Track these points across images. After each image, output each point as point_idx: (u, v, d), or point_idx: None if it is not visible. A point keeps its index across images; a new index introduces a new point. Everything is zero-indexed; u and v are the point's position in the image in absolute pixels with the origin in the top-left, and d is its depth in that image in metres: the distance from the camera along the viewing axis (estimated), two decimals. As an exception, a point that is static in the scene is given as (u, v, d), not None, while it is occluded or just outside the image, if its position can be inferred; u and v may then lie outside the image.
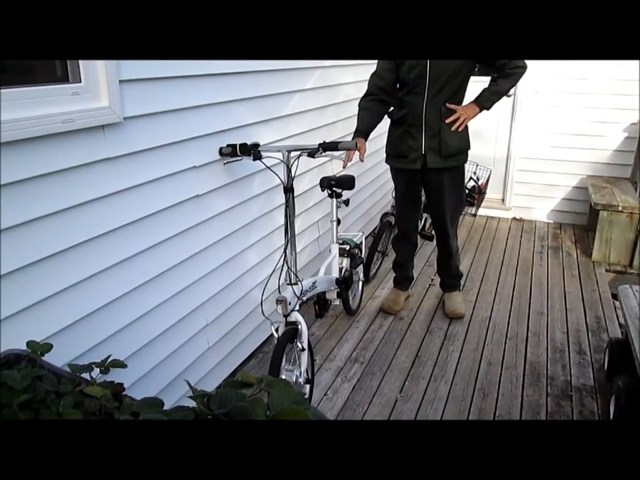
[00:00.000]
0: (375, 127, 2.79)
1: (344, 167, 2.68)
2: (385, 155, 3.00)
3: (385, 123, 2.88)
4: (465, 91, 2.77)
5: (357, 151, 2.55)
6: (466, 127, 2.78)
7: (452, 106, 2.70)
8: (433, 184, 2.89)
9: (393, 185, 3.12)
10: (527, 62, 4.25)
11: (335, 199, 2.84)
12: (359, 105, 2.84)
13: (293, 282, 2.25)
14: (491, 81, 2.76)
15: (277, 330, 2.20)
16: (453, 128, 2.72)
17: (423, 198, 3.16)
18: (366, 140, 2.69)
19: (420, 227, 4.00)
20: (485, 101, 2.76)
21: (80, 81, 1.56)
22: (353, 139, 2.37)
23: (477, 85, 2.85)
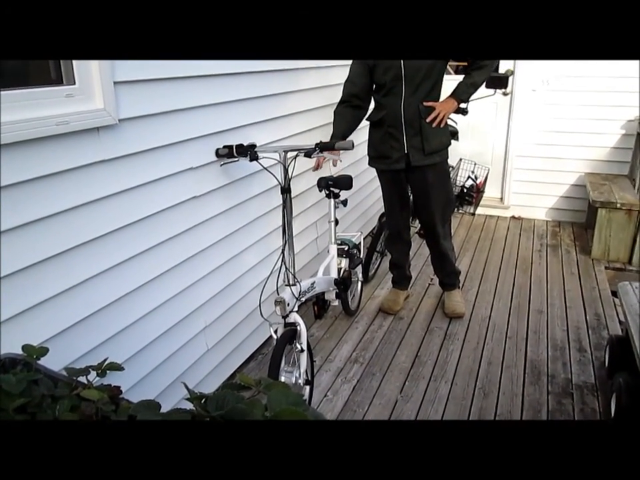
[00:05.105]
0: (350, 132, 2.84)
1: (314, 170, 2.81)
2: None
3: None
4: (441, 87, 2.79)
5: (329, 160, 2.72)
6: (446, 122, 2.80)
7: (430, 103, 2.72)
8: (418, 182, 2.90)
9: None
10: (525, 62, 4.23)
11: (332, 199, 2.83)
12: (334, 112, 2.90)
13: (291, 283, 2.24)
14: (465, 74, 2.78)
15: (275, 331, 2.19)
16: (434, 124, 2.73)
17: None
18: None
19: (417, 227, 3.99)
20: (462, 94, 2.78)
21: (74, 83, 1.56)
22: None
23: (453, 83, 2.86)
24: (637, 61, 4.12)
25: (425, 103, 2.70)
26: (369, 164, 3.03)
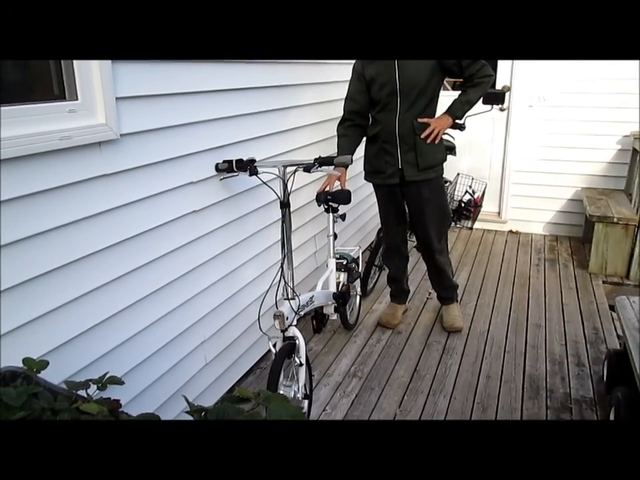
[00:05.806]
0: (355, 151, 2.86)
1: (321, 191, 2.81)
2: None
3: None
4: (437, 103, 2.81)
5: (337, 179, 2.79)
6: (441, 138, 2.82)
7: (424, 120, 2.74)
8: (413, 198, 2.92)
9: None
10: (520, 75, 4.30)
11: (331, 214, 2.85)
12: (338, 132, 2.93)
13: (290, 297, 2.25)
14: (461, 91, 2.81)
15: (274, 345, 2.19)
16: (429, 140, 2.75)
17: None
18: (347, 168, 2.74)
19: (415, 242, 4.00)
20: (457, 111, 2.80)
21: (77, 99, 1.58)
22: (334, 168, 2.43)
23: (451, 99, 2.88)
24: (635, 77, 4.15)
25: (419, 119, 2.73)
26: (365, 178, 3.05)
